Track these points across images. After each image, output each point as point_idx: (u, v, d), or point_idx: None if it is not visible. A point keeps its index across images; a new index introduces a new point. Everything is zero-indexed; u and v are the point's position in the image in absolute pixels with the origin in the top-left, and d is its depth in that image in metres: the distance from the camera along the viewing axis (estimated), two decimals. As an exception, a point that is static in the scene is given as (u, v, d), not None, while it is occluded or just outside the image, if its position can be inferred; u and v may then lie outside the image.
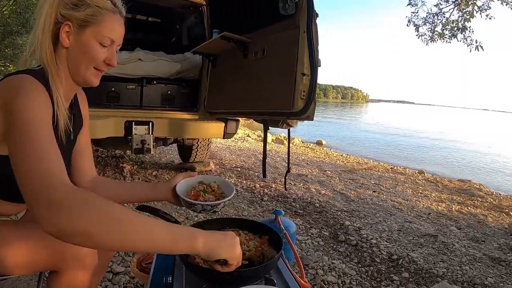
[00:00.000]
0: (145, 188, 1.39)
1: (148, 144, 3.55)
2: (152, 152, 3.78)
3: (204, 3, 4.14)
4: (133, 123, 3.51)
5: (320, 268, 2.68)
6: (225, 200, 1.25)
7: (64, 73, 1.12)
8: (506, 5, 7.39)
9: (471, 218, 4.90)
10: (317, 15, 2.50)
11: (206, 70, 3.95)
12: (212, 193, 1.32)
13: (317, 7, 2.46)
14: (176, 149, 5.92)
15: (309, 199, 4.36)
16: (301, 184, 5.30)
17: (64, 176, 0.82)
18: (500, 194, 7.91)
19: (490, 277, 2.93)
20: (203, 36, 4.12)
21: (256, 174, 5.41)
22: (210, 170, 5.27)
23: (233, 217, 3.32)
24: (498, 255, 3.45)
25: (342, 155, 10.69)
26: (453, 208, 5.36)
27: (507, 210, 5.78)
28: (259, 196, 4.29)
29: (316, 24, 2.50)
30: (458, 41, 7.47)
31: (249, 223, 1.39)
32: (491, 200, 6.62)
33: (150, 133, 3.59)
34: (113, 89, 3.93)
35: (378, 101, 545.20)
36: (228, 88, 3.55)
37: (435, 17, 7.72)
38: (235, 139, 10.33)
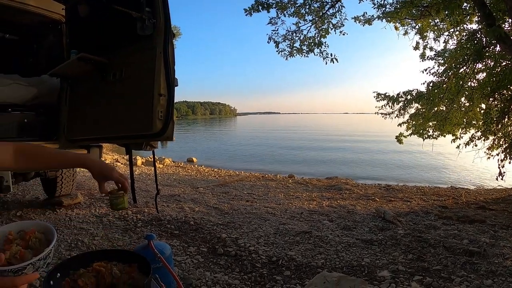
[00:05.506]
0: None
1: (7, 182, 3.12)
2: (11, 190, 3.38)
3: (63, 20, 3.86)
4: None
5: (204, 285, 2.67)
6: (33, 261, 0.89)
7: None
8: (359, 22, 8.67)
9: (341, 210, 5.38)
10: (173, 35, 2.61)
11: (64, 95, 3.67)
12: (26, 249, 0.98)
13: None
14: (40, 183, 5.31)
15: (183, 218, 4.34)
16: (174, 205, 5.25)
17: None
18: (365, 184, 8.97)
19: (366, 258, 3.25)
20: (61, 57, 3.81)
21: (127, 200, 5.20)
22: (79, 203, 4.89)
23: (102, 249, 3.16)
24: (370, 237, 3.85)
25: (213, 170, 10.95)
26: (324, 204, 5.83)
27: (373, 197, 6.55)
28: (132, 223, 4.13)
29: (172, 44, 2.54)
30: (315, 55, 8.41)
31: (117, 253, 1.40)
32: (358, 191, 7.41)
33: (7, 169, 3.19)
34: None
35: (246, 114, 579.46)
36: (88, 113, 3.31)
37: (294, 34, 8.51)
38: (103, 165, 9.85)
